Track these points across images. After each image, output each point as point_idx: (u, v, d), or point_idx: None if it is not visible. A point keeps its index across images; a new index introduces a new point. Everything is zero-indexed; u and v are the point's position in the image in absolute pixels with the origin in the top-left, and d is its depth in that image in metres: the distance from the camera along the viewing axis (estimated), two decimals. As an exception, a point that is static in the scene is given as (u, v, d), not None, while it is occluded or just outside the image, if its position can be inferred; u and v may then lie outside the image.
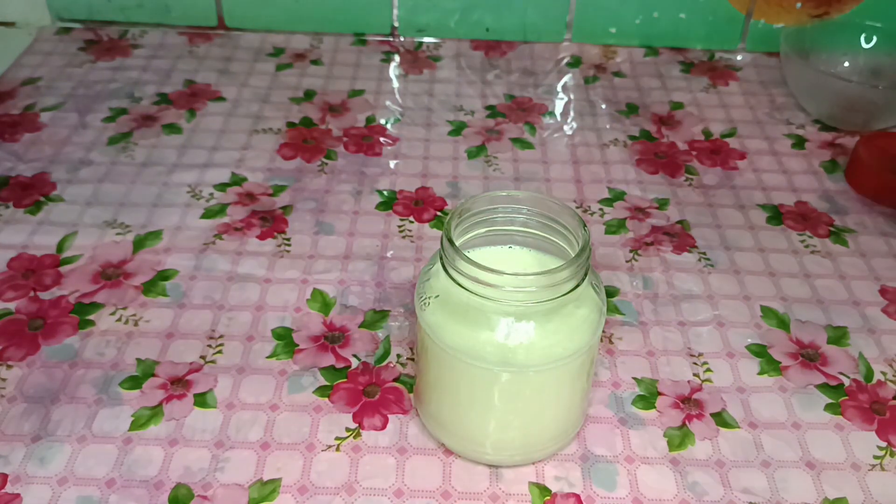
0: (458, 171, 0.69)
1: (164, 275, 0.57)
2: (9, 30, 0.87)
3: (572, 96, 0.80)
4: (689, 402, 0.50)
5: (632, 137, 0.74)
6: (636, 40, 0.88)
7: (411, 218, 0.64)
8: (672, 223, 0.64)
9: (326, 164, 0.69)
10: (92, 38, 0.86)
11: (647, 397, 0.50)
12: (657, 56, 0.87)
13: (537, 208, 0.44)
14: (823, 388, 0.51)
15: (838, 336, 0.55)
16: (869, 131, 0.75)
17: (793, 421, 0.49)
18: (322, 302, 0.56)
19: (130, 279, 0.57)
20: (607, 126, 0.76)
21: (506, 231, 0.45)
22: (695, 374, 0.52)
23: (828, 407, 0.50)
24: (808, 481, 0.46)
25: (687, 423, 0.49)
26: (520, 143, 0.73)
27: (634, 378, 0.51)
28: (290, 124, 0.74)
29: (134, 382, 0.50)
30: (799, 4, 0.84)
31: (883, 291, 0.59)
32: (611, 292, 0.58)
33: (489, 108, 0.78)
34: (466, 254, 0.40)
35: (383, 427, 0.48)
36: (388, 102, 0.78)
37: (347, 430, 0.48)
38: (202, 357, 0.52)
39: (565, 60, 0.86)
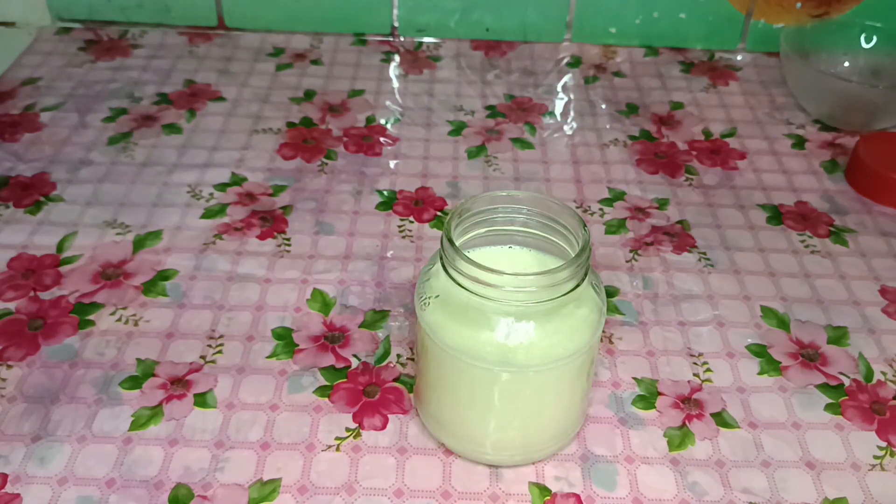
0: (458, 171, 0.69)
1: (164, 275, 0.57)
2: (9, 30, 0.87)
3: (572, 96, 0.80)
4: (689, 402, 0.50)
5: (632, 137, 0.74)
6: (636, 40, 0.88)
7: (411, 218, 0.64)
8: (672, 223, 0.64)
9: (326, 164, 0.69)
10: (92, 38, 0.86)
11: (647, 397, 0.50)
12: (657, 56, 0.87)
13: (537, 208, 0.44)
14: (823, 388, 0.51)
15: (838, 336, 0.55)
16: (869, 131, 0.75)
17: (793, 421, 0.49)
18: (322, 302, 0.56)
19: (130, 279, 0.57)
20: (607, 126, 0.76)
21: (506, 231, 0.45)
22: (695, 374, 0.52)
23: (828, 407, 0.50)
24: (808, 481, 0.46)
25: (687, 423, 0.49)
26: (520, 143, 0.73)
27: (634, 378, 0.51)
28: (290, 124, 0.74)
29: (134, 382, 0.50)
30: (799, 4, 0.84)
31: (883, 291, 0.59)
32: (611, 292, 0.58)
33: (489, 108, 0.78)
34: (466, 254, 0.40)
35: (383, 427, 0.48)
36: (388, 102, 0.78)
37: (347, 430, 0.48)
38: (202, 357, 0.52)
39: (565, 60, 0.86)
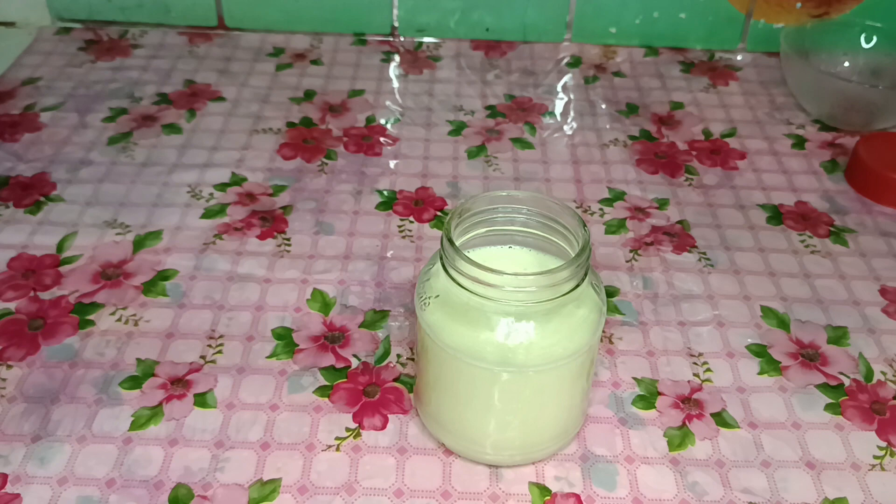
0: (458, 171, 0.69)
1: (164, 275, 0.57)
2: (9, 30, 0.87)
3: (572, 96, 0.80)
4: (689, 402, 0.50)
5: (632, 137, 0.74)
6: (636, 40, 0.88)
7: (411, 218, 0.64)
8: (672, 223, 0.64)
9: (326, 164, 0.69)
10: (92, 38, 0.86)
11: (647, 397, 0.50)
12: (657, 56, 0.87)
13: (537, 208, 0.44)
14: (823, 387, 0.51)
15: (838, 336, 0.55)
16: (869, 131, 0.75)
17: (793, 421, 0.49)
18: (322, 302, 0.56)
19: (130, 279, 0.57)
20: (607, 126, 0.76)
21: (506, 231, 0.45)
22: (695, 374, 0.52)
23: (828, 407, 0.50)
24: (808, 481, 0.46)
25: (687, 423, 0.49)
26: (520, 143, 0.73)
27: (634, 378, 0.51)
28: (290, 124, 0.74)
29: (134, 382, 0.50)
30: (799, 4, 0.84)
31: (883, 291, 0.59)
32: (611, 292, 0.58)
33: (489, 108, 0.78)
34: (466, 254, 0.40)
35: (383, 427, 0.48)
36: (388, 102, 0.78)
37: (347, 430, 0.48)
38: (202, 357, 0.52)
39: (565, 60, 0.86)
